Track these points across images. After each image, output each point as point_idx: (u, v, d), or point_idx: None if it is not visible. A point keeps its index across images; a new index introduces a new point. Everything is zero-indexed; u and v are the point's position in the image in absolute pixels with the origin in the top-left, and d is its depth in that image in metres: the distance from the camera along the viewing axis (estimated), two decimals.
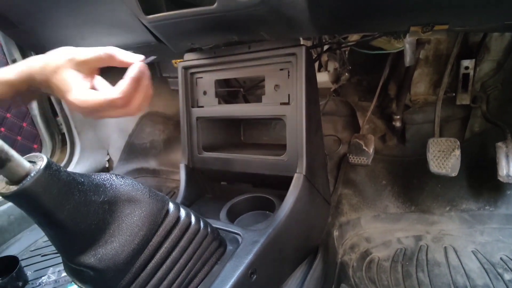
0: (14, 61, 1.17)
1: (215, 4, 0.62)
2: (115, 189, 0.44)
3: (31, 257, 1.15)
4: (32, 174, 0.32)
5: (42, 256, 1.14)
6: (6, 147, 0.30)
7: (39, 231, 1.29)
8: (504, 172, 0.86)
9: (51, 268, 1.08)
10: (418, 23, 0.59)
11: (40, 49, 1.18)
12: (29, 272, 1.06)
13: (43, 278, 1.03)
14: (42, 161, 0.34)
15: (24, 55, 1.19)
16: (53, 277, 1.05)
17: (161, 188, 1.48)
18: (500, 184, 0.98)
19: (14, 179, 0.32)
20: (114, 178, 0.45)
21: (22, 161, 0.32)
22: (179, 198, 0.93)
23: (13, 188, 0.32)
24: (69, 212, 0.36)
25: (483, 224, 0.97)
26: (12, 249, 1.19)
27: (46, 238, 1.24)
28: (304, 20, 0.64)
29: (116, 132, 1.56)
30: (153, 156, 1.59)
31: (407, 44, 0.71)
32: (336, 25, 0.67)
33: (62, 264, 1.14)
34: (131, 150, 1.58)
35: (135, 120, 1.59)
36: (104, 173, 0.45)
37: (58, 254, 1.15)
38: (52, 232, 0.37)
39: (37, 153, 0.35)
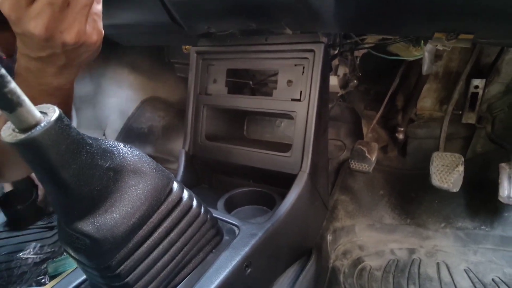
0: None
1: None
2: (122, 157, 0.42)
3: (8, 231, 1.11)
4: (42, 124, 0.30)
5: (25, 230, 1.10)
6: (19, 91, 0.28)
7: None
8: (505, 193, 0.86)
9: (33, 243, 1.04)
10: (444, 29, 0.59)
11: None
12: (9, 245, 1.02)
13: (24, 252, 0.99)
14: (53, 112, 0.32)
15: None
16: (33, 252, 1.02)
17: None
18: (498, 205, 0.98)
19: (22, 127, 0.30)
20: (122, 146, 0.43)
21: (33, 109, 0.30)
22: None
23: (21, 136, 0.29)
24: (74, 172, 0.34)
25: (477, 244, 0.97)
26: None
27: None
28: (329, 13, 0.63)
29: (116, 113, 1.53)
30: (150, 142, 1.56)
31: (426, 52, 0.70)
32: (359, 22, 0.66)
33: (43, 240, 1.10)
34: (128, 133, 1.55)
35: (136, 103, 1.56)
36: (111, 140, 0.42)
37: (41, 229, 1.12)
38: (54, 191, 0.35)
39: (49, 104, 0.32)
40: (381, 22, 0.63)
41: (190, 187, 0.96)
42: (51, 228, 1.10)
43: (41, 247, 1.03)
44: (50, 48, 0.45)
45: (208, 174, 1.02)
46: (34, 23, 0.39)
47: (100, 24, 0.48)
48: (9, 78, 0.27)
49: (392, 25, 0.63)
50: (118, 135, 1.55)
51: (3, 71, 0.27)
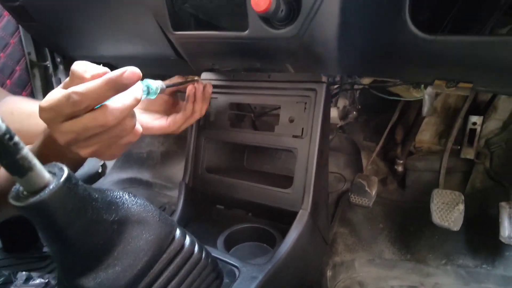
0: (29, 54, 1.15)
1: (247, 31, 0.63)
2: (127, 208, 0.41)
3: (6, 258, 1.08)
4: (51, 187, 0.30)
5: (17, 259, 1.07)
6: (30, 155, 0.28)
7: None
8: (506, 233, 0.85)
9: (25, 273, 1.01)
10: (444, 78, 0.60)
11: (55, 47, 1.17)
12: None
13: (16, 282, 0.96)
14: (62, 172, 0.32)
15: (38, 50, 1.17)
16: (25, 283, 0.99)
17: (152, 202, 1.43)
18: (498, 244, 0.97)
19: (31, 190, 0.29)
20: (126, 196, 0.42)
21: (42, 171, 0.30)
22: (175, 218, 0.89)
23: (29, 199, 0.29)
24: (79, 229, 0.34)
25: (479, 283, 0.95)
26: None
27: None
28: (332, 59, 0.65)
29: None
30: (148, 168, 1.55)
31: (426, 95, 0.72)
32: (361, 68, 0.67)
33: (36, 270, 1.07)
34: (127, 158, 1.55)
35: None
36: (117, 190, 0.42)
37: (35, 259, 1.09)
38: (57, 248, 0.35)
39: (58, 163, 0.32)
40: (382, 69, 0.64)
41: (189, 220, 0.96)
42: (45, 258, 1.07)
43: (33, 277, 1.00)
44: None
45: (208, 206, 1.01)
46: (60, 136, 0.40)
47: (122, 150, 0.48)
48: (21, 144, 0.27)
49: (393, 72, 0.65)
50: (117, 160, 1.54)
51: (17, 138, 0.27)
